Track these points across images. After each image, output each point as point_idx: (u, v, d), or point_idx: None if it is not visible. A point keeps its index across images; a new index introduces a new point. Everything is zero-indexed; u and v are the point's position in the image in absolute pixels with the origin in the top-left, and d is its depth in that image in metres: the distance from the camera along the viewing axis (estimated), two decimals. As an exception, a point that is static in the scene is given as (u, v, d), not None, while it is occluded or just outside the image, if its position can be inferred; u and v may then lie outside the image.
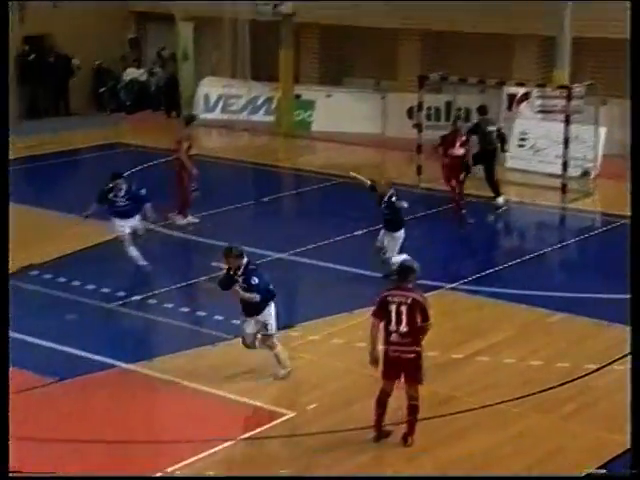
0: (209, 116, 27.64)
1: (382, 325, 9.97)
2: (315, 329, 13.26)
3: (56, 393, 11.45)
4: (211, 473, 9.71)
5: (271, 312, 11.52)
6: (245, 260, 11.39)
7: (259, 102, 28.06)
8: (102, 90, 30.11)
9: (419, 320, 9.84)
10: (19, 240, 17.32)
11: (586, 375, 11.55)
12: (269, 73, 27.53)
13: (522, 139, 22.63)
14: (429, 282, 13.65)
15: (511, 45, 24.43)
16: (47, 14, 28.19)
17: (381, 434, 10.21)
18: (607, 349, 12.35)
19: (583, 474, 9.00)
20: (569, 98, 19.66)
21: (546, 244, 17.55)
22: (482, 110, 19.91)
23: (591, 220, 19.45)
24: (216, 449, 10.08)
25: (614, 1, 20.05)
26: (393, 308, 9.88)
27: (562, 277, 16.31)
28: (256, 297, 11.26)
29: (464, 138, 18.45)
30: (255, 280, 11.24)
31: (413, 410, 10.01)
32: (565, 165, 19.96)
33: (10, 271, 14.73)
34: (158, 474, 9.63)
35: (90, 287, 14.63)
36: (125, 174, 16.00)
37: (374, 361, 10.00)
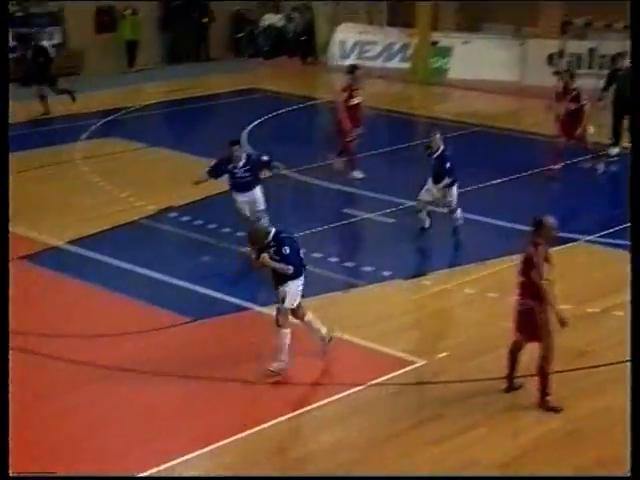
0: (344, 62, 27.58)
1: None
2: (447, 278, 13.20)
3: (191, 332, 11.74)
4: (341, 417, 9.83)
5: (291, 288, 10.47)
6: (274, 231, 10.56)
7: (395, 49, 27.83)
8: (240, 36, 30.38)
9: (532, 274, 9.67)
10: (159, 183, 17.83)
11: None
12: (405, 19, 27.23)
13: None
14: (565, 234, 13.38)
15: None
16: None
17: (512, 386, 10.13)
18: None
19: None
20: None
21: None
22: (618, 58, 19.29)
23: None
24: (346, 393, 10.19)
25: None
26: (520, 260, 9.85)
27: None
28: (290, 269, 10.38)
29: (575, 92, 17.80)
30: (287, 250, 10.41)
31: (538, 368, 9.84)
32: None
33: (150, 213, 15.19)
34: (287, 416, 9.80)
35: (226, 230, 14.89)
36: (240, 141, 14.64)
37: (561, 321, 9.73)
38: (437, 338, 11.71)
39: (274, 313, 10.57)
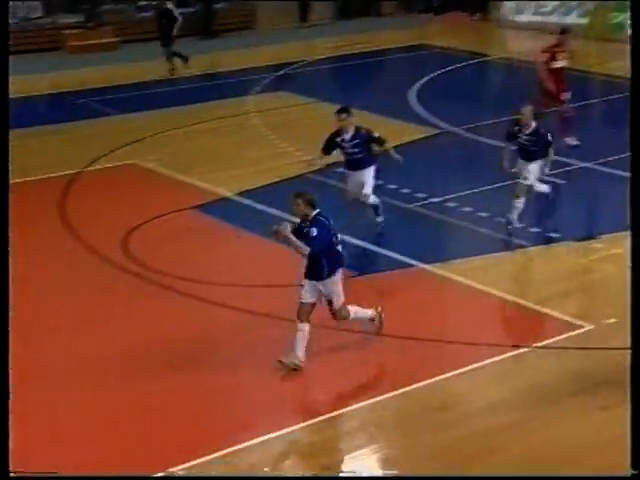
0: (519, 18, 26.94)
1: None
2: (619, 242, 12.79)
3: (355, 287, 11.80)
4: (502, 378, 9.72)
5: (334, 282, 9.76)
6: (316, 211, 9.73)
7: (573, 3, 26.98)
8: (411, -9, 30.12)
9: None
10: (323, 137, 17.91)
11: None
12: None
13: None
14: None
15: None
16: None
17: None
18: None
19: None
20: None
21: None
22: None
23: None
24: (509, 354, 10.06)
25: None
26: None
27: None
28: (306, 249, 9.55)
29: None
30: (314, 232, 9.56)
31: None
32: None
33: (317, 167, 15.26)
34: (448, 374, 9.74)
35: (391, 187, 14.84)
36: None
37: None
38: (606, 303, 11.39)
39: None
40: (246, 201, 14.64)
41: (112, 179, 15.86)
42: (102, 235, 13.20)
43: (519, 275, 11.92)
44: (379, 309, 10.32)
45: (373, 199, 13.18)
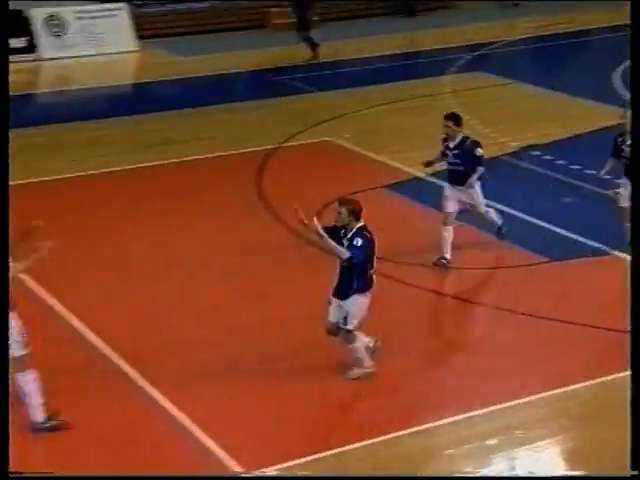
0: None
1: None
2: None
3: (546, 273, 11.61)
4: None
5: (356, 304, 9.02)
6: (360, 224, 8.94)
7: None
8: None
9: None
10: (523, 120, 17.63)
11: None
12: None
13: None
14: None
15: None
16: None
17: None
18: None
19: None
20: None
21: None
22: None
23: None
24: None
25: None
26: None
27: None
28: (345, 253, 8.81)
29: None
30: (359, 241, 8.82)
31: None
32: None
33: (512, 150, 15.04)
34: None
35: (589, 172, 14.47)
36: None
37: None
38: None
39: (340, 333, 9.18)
40: (437, 181, 14.61)
41: (308, 155, 16.11)
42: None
43: None
44: (378, 342, 9.44)
45: (493, 214, 12.18)
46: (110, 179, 15.04)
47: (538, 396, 9.02)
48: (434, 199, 13.46)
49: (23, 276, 9.22)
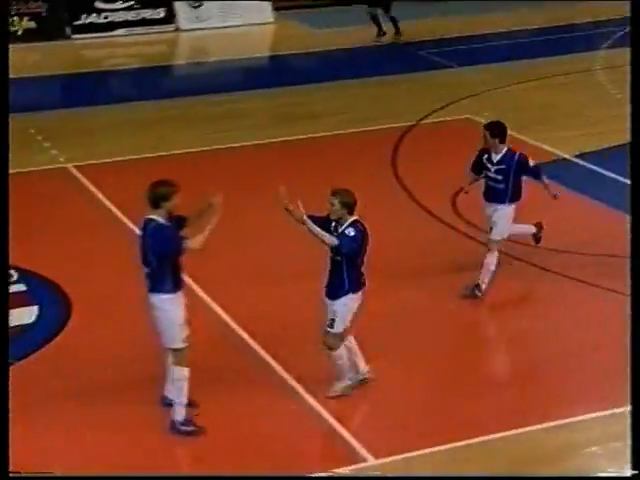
0: None
1: None
2: None
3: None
4: None
5: (345, 306, 8.37)
6: (354, 218, 8.31)
7: None
8: None
9: None
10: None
11: None
12: None
13: None
14: None
15: None
16: None
17: None
18: None
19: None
20: None
21: None
22: None
23: None
24: None
25: None
26: None
27: None
28: (333, 241, 8.17)
29: None
30: (352, 232, 8.21)
31: None
32: None
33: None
34: None
35: None
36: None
37: None
38: None
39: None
40: (582, 163, 13.91)
41: (445, 133, 15.65)
42: (431, 190, 12.98)
43: None
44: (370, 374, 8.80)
45: (497, 243, 10.41)
46: (242, 153, 14.85)
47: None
48: (582, 183, 12.84)
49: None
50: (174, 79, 20.82)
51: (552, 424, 8.10)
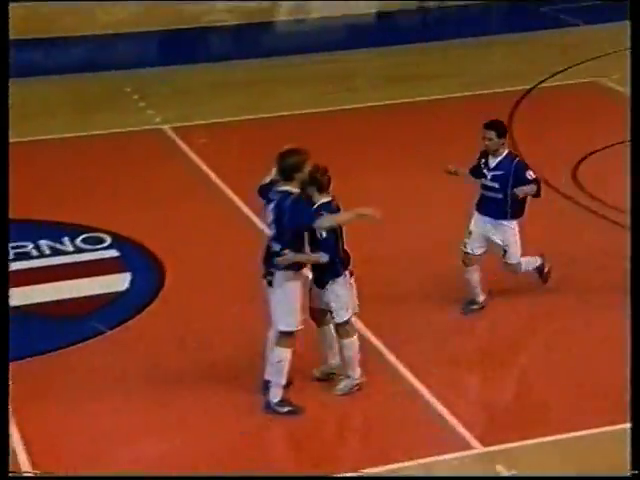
0: None
1: None
2: None
3: None
4: None
5: (338, 291, 7.82)
6: (326, 199, 7.71)
7: None
8: None
9: None
10: None
11: None
12: None
13: None
14: None
15: None
16: None
17: None
18: None
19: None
20: None
21: None
22: None
23: None
24: None
25: None
26: None
27: None
28: (323, 257, 7.69)
29: None
30: (324, 234, 7.66)
31: None
32: None
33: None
34: None
35: None
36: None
37: None
38: None
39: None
40: None
41: (568, 98, 14.80)
42: (549, 159, 12.13)
43: None
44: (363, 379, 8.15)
45: (525, 265, 9.20)
46: (350, 116, 14.27)
47: None
48: None
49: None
50: (278, 36, 20.20)
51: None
